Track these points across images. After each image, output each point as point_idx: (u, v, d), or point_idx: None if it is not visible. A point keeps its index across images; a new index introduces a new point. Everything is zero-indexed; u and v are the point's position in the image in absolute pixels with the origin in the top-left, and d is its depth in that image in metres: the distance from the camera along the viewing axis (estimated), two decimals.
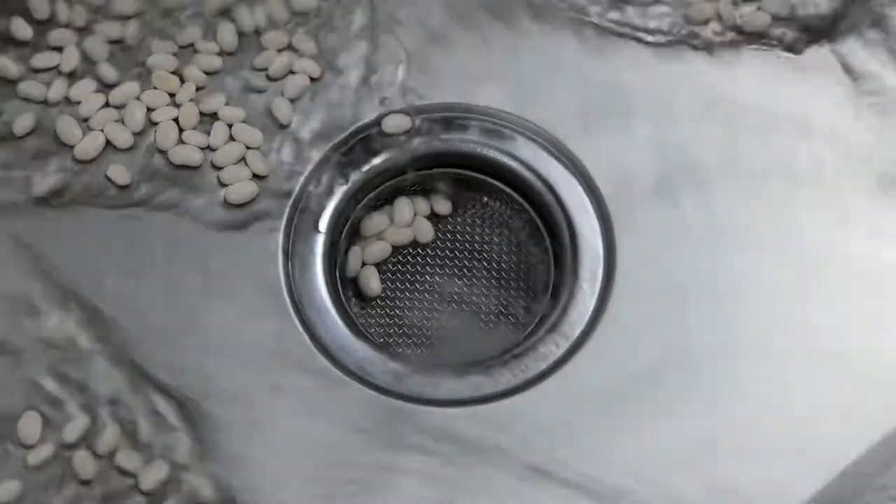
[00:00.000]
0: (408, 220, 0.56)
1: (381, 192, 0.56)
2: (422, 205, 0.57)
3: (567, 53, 0.57)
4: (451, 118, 0.56)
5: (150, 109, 0.55)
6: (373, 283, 0.55)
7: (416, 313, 0.56)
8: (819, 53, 0.57)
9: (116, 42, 0.56)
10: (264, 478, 0.51)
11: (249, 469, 0.51)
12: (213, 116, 0.55)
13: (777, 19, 0.57)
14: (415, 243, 0.57)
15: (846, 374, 0.53)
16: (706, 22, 0.57)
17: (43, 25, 0.56)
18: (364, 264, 0.56)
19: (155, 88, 0.55)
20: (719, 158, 0.55)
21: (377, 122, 0.56)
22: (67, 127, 0.54)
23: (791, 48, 0.57)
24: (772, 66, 0.57)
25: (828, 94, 0.56)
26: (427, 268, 0.57)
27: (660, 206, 0.55)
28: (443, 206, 0.57)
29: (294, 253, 0.54)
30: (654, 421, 0.52)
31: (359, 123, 0.56)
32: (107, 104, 0.55)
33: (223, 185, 0.54)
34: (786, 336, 0.53)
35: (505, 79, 0.56)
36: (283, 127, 0.55)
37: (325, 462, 0.51)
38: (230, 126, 0.55)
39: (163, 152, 0.55)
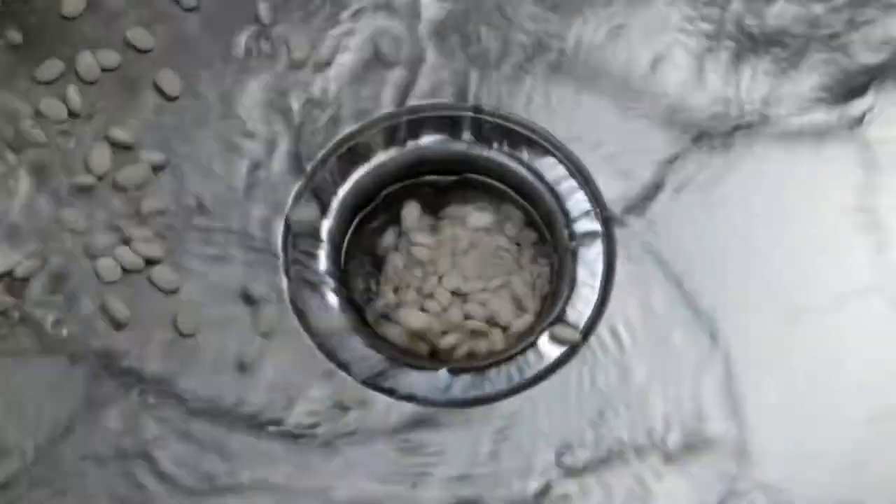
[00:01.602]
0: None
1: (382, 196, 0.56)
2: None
3: None
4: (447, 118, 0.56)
5: None
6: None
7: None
8: None
9: None
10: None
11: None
12: None
13: None
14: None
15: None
16: None
17: None
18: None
19: None
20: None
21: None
22: None
23: None
24: None
25: None
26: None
27: (660, 205, 0.55)
28: (445, 208, 0.57)
29: (297, 255, 0.54)
30: (655, 421, 0.52)
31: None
32: None
33: None
34: (786, 338, 0.53)
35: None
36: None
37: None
38: None
39: None
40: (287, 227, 0.54)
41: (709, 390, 0.52)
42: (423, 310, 0.55)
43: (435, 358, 0.54)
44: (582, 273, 0.54)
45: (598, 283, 0.54)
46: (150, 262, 0.53)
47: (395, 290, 0.55)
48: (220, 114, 0.55)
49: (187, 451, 0.51)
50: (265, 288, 0.53)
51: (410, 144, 0.56)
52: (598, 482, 0.51)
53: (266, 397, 0.52)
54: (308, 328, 0.53)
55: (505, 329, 0.54)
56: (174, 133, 0.55)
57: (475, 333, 0.54)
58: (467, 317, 0.54)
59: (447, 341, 0.54)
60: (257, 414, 0.52)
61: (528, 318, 0.55)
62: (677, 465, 0.51)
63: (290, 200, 0.55)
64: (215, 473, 0.51)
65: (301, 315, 0.53)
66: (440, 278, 0.55)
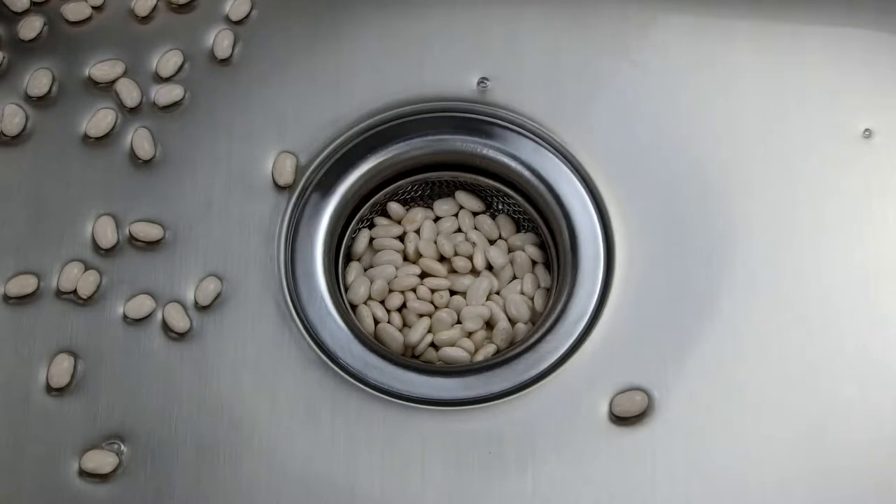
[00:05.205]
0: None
1: (379, 198, 0.57)
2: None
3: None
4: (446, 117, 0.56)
5: None
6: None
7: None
8: None
9: None
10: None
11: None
12: None
13: None
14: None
15: (848, 376, 0.53)
16: None
17: None
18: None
19: None
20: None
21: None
22: None
23: None
24: None
25: None
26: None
27: (660, 203, 0.55)
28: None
29: (295, 257, 0.54)
30: (654, 420, 0.52)
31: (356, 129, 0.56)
32: None
33: None
34: (788, 337, 0.53)
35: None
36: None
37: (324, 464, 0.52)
38: None
39: None
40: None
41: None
42: (420, 315, 0.56)
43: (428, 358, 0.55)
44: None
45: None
46: None
47: (390, 291, 0.56)
48: None
49: None
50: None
51: (405, 144, 0.56)
52: None
53: None
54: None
55: (494, 328, 0.55)
56: None
57: (470, 333, 0.55)
58: (461, 319, 0.55)
59: (441, 339, 0.55)
60: None
61: (526, 319, 0.55)
62: None
63: (290, 202, 0.55)
64: None
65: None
66: (430, 278, 0.56)
